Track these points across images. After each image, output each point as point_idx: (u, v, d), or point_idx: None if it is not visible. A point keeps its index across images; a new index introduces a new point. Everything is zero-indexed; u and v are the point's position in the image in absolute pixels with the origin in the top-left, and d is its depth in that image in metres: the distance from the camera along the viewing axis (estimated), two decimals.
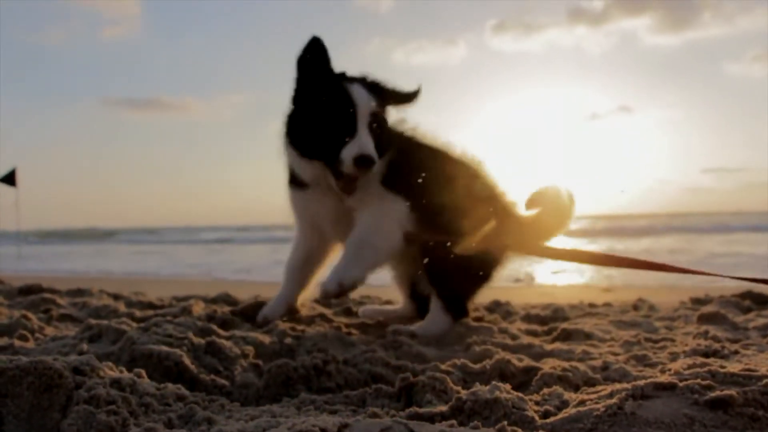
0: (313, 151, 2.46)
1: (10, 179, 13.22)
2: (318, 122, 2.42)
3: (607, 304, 4.01)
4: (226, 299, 3.68)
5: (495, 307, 3.52)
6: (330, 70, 2.46)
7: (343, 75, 2.49)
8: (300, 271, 2.88)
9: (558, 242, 2.69)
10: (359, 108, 2.36)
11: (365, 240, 2.49)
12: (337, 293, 2.41)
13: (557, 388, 1.66)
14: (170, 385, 1.71)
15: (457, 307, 2.71)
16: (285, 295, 2.89)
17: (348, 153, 2.32)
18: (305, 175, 2.55)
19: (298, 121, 2.50)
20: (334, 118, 2.38)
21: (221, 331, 2.44)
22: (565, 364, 1.93)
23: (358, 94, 2.39)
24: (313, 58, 2.43)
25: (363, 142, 2.33)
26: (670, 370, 1.76)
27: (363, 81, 2.50)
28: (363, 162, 2.31)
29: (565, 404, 1.51)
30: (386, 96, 2.53)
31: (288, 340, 2.35)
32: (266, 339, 2.35)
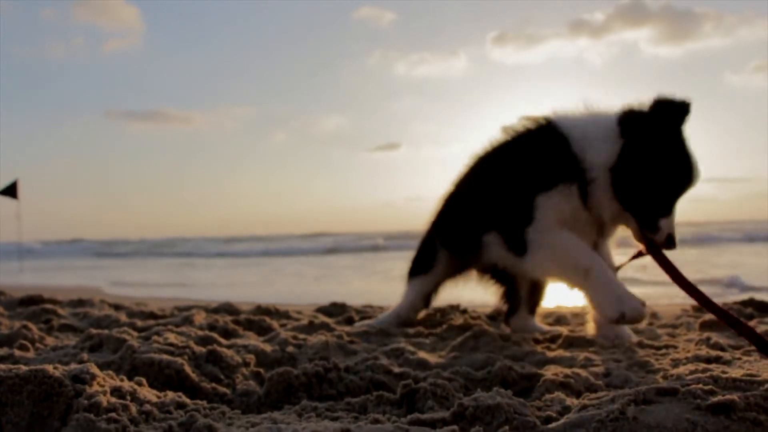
0: (634, 205, 2.40)
1: (11, 191, 13.25)
2: (656, 183, 2.37)
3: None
4: (228, 309, 3.67)
5: (497, 315, 3.51)
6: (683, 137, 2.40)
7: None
8: None
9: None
10: (693, 187, 2.39)
11: None
12: None
13: (559, 394, 1.65)
14: (171, 393, 1.71)
15: None
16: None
17: (662, 233, 2.37)
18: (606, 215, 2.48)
19: (631, 171, 2.38)
20: (673, 188, 2.38)
21: (222, 340, 2.44)
22: (567, 371, 1.92)
23: (698, 173, 2.39)
24: (672, 120, 2.38)
25: (672, 225, 2.39)
26: (672, 375, 1.76)
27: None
28: (671, 244, 2.38)
29: (567, 410, 1.50)
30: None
31: (289, 349, 2.35)
32: (267, 347, 2.35)
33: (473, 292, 3.32)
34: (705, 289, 2.28)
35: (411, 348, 2.39)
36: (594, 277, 2.33)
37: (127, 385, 1.63)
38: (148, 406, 1.55)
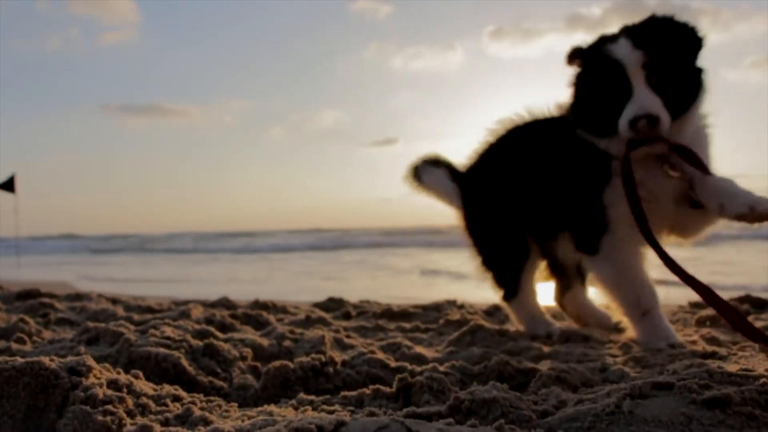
0: (600, 130, 2.20)
1: (9, 186, 13.21)
2: (592, 100, 2.19)
3: (607, 307, 4.00)
4: (226, 304, 3.67)
5: (494, 311, 3.51)
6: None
7: (605, 37, 2.18)
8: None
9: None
10: (627, 66, 2.08)
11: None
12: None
13: (555, 389, 1.65)
14: (167, 386, 1.71)
15: None
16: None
17: (623, 120, 2.08)
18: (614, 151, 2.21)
19: (579, 104, 2.25)
20: (603, 90, 2.14)
21: (219, 334, 2.43)
22: (564, 366, 1.92)
23: (621, 50, 2.09)
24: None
25: (639, 101, 2.05)
26: (668, 370, 1.76)
27: (631, 31, 2.14)
28: (637, 123, 2.04)
29: (563, 404, 1.50)
30: (665, 37, 2.12)
31: (286, 343, 2.35)
32: (264, 341, 2.35)
33: (471, 289, 3.32)
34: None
35: (408, 343, 2.39)
36: (649, 318, 2.34)
37: (123, 377, 1.63)
38: (144, 399, 1.56)
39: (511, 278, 2.73)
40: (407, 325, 3.07)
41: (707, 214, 2.24)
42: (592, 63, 2.20)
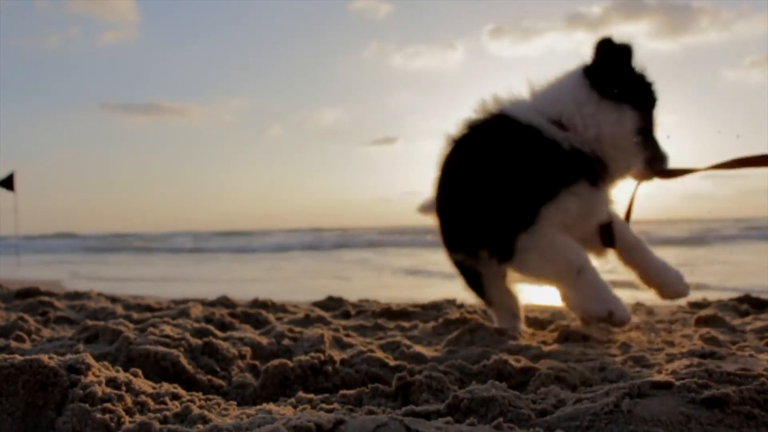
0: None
1: (8, 183, 13.18)
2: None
3: None
4: (225, 302, 3.67)
5: None
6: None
7: None
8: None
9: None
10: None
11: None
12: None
13: (554, 388, 1.65)
14: (166, 385, 1.71)
15: None
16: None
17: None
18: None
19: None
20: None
21: (219, 332, 2.43)
22: (563, 365, 1.92)
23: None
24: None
25: None
26: (667, 370, 1.76)
27: None
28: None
29: (561, 403, 1.50)
30: None
31: (285, 341, 2.35)
32: (263, 340, 2.35)
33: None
34: None
35: (407, 342, 2.39)
36: (586, 275, 2.30)
37: (122, 375, 1.63)
38: (143, 397, 1.55)
39: (475, 289, 2.86)
40: (406, 324, 3.07)
41: (600, 251, 2.60)
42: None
